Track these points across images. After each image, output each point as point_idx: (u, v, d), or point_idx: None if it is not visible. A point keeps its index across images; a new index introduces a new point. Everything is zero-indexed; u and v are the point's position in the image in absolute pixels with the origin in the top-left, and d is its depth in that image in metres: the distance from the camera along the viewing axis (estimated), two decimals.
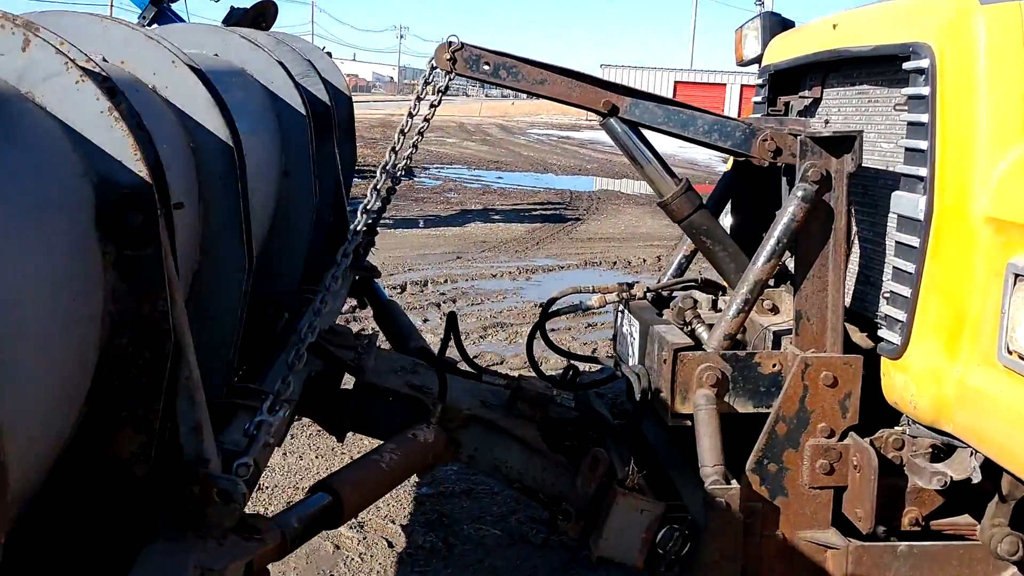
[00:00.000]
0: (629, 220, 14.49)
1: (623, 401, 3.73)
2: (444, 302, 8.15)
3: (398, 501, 4.18)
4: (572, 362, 3.49)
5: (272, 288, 3.32)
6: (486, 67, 2.87)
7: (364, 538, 3.88)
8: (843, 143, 2.70)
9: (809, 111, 3.50)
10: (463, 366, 3.27)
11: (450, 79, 2.92)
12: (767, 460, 2.72)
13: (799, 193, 2.70)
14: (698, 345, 2.86)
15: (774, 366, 2.78)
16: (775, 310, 3.23)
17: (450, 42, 2.83)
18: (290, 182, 3.34)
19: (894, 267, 2.61)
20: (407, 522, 4.04)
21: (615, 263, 10.46)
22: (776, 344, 3.00)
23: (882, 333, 2.67)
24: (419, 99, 2.74)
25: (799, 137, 2.74)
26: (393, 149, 2.55)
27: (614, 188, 19.69)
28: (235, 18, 11.44)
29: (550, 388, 3.11)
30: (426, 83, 2.79)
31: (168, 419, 1.59)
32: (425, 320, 7.49)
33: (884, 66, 2.92)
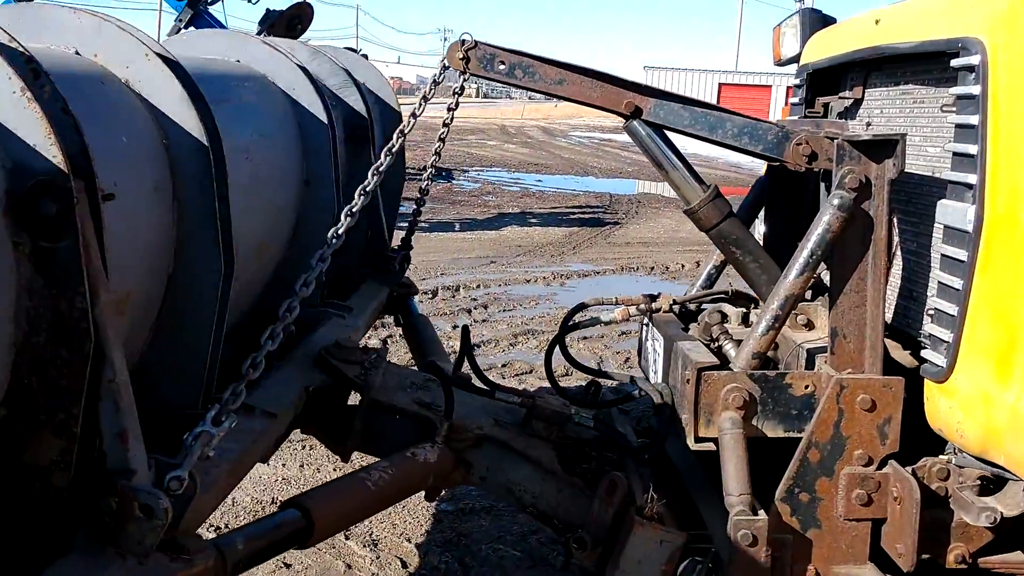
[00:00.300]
0: (669, 224, 14.23)
1: (651, 417, 3.54)
2: (475, 308, 8.00)
3: (415, 518, 4.04)
4: (594, 378, 3.30)
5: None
6: (501, 66, 2.71)
7: (377, 557, 3.74)
8: (884, 147, 2.49)
9: (850, 113, 3.29)
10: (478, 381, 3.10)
11: (464, 79, 2.76)
12: (798, 489, 2.52)
13: (835, 201, 2.49)
14: (724, 364, 2.67)
15: (806, 387, 2.58)
16: (810, 325, 3.02)
17: (463, 40, 2.68)
18: (311, 191, 3.22)
19: (939, 282, 2.40)
20: (423, 540, 3.89)
21: (653, 268, 10.23)
22: (810, 363, 2.80)
23: (926, 354, 2.45)
24: (425, 99, 2.58)
25: (836, 141, 2.53)
26: (390, 150, 2.40)
27: (655, 191, 19.42)
28: (271, 20, 11.42)
29: (567, 406, 2.94)
30: (435, 83, 2.63)
31: (94, 425, 1.48)
32: (455, 327, 7.34)
33: (930, 64, 2.70)
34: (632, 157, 27.70)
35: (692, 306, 3.27)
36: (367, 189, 2.25)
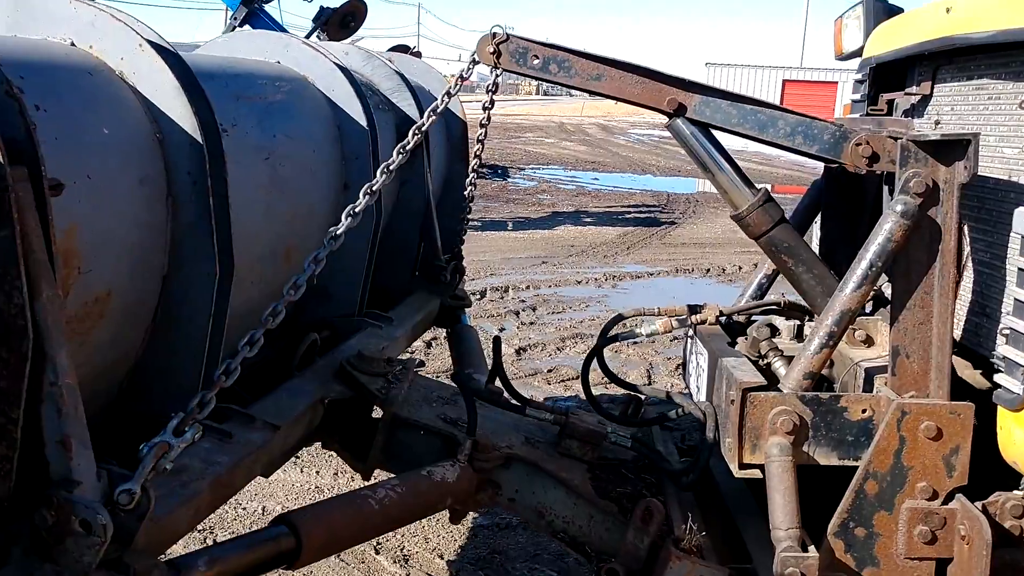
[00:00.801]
0: (727, 224, 13.84)
1: (696, 434, 3.32)
2: (523, 310, 7.82)
3: (448, 533, 3.88)
4: (633, 393, 3.10)
5: (326, 311, 3.09)
6: (535, 61, 2.54)
7: (407, 574, 3.59)
8: (953, 148, 2.25)
9: (917, 110, 3.02)
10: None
11: (497, 75, 2.60)
12: (854, 524, 2.30)
13: (898, 207, 2.26)
14: (773, 383, 2.45)
15: (864, 411, 2.34)
16: (869, 342, 2.79)
17: (493, 33, 2.51)
18: (350, 197, 3.10)
19: (1016, 299, 2.15)
20: (456, 557, 3.73)
21: (708, 270, 9.94)
22: (868, 383, 2.57)
23: (1000, 378, 2.20)
24: (449, 95, 2.42)
25: (900, 141, 2.30)
26: (403, 147, 2.24)
27: (714, 190, 18.99)
28: (325, 18, 11.39)
29: (603, 424, 2.75)
30: (461, 78, 2.47)
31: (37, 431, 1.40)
32: (502, 329, 7.18)
33: (1009, 56, 2.44)
34: None
35: (741, 318, 3.05)
36: (373, 188, 2.10)
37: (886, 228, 2.28)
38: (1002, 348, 2.19)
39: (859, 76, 3.27)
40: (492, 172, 20.83)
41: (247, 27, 11.10)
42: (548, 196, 16.74)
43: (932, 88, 2.92)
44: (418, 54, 15.52)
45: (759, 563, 2.46)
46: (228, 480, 2.06)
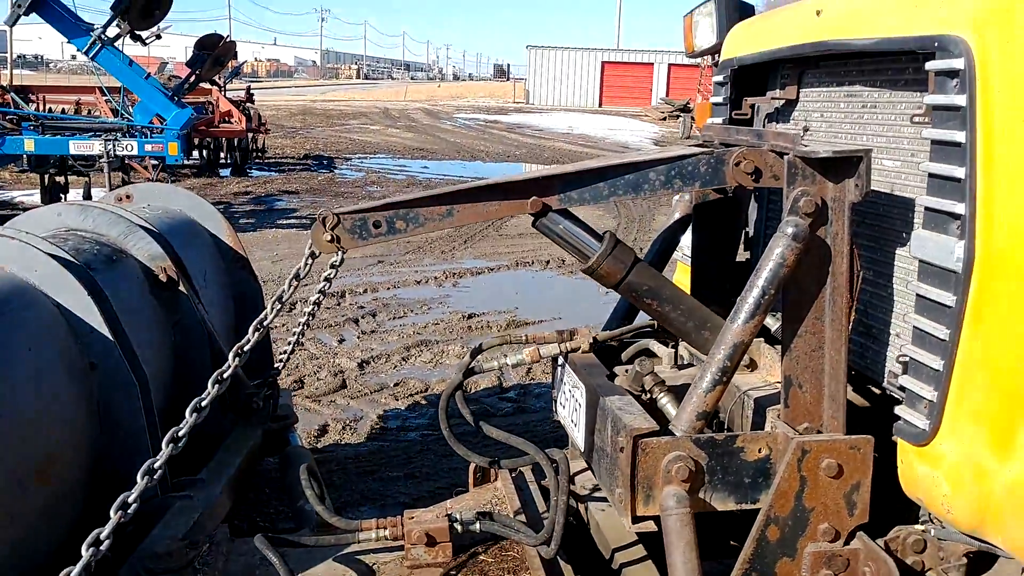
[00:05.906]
0: None
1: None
2: (362, 316, 7.40)
3: None
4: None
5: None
6: (378, 228, 2.26)
7: None
8: (843, 165, 2.09)
9: (782, 115, 2.90)
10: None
11: (342, 258, 2.32)
12: (756, 574, 2.13)
13: (789, 230, 2.09)
14: (662, 424, 2.24)
15: (760, 451, 2.17)
16: (752, 366, 2.64)
17: (323, 218, 2.22)
18: (102, 375, 2.54)
19: (917, 328, 2.02)
20: None
21: (548, 263, 9.83)
22: (758, 413, 2.41)
23: (901, 411, 2.07)
24: (281, 303, 2.12)
25: (787, 158, 2.12)
26: (261, 322, 1.91)
27: None
28: (125, 4, 10.37)
29: (443, 513, 2.50)
30: (297, 278, 2.33)
31: None
32: (341, 340, 6.74)
33: (882, 63, 2.32)
34: (519, 139, 27.33)
35: (613, 342, 2.84)
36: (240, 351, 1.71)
37: (777, 252, 2.10)
38: (905, 380, 2.06)
39: (719, 78, 3.11)
40: (318, 164, 20.07)
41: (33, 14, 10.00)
42: (378, 188, 16.23)
43: (798, 93, 2.80)
44: (232, 43, 14.61)
45: None
46: None
